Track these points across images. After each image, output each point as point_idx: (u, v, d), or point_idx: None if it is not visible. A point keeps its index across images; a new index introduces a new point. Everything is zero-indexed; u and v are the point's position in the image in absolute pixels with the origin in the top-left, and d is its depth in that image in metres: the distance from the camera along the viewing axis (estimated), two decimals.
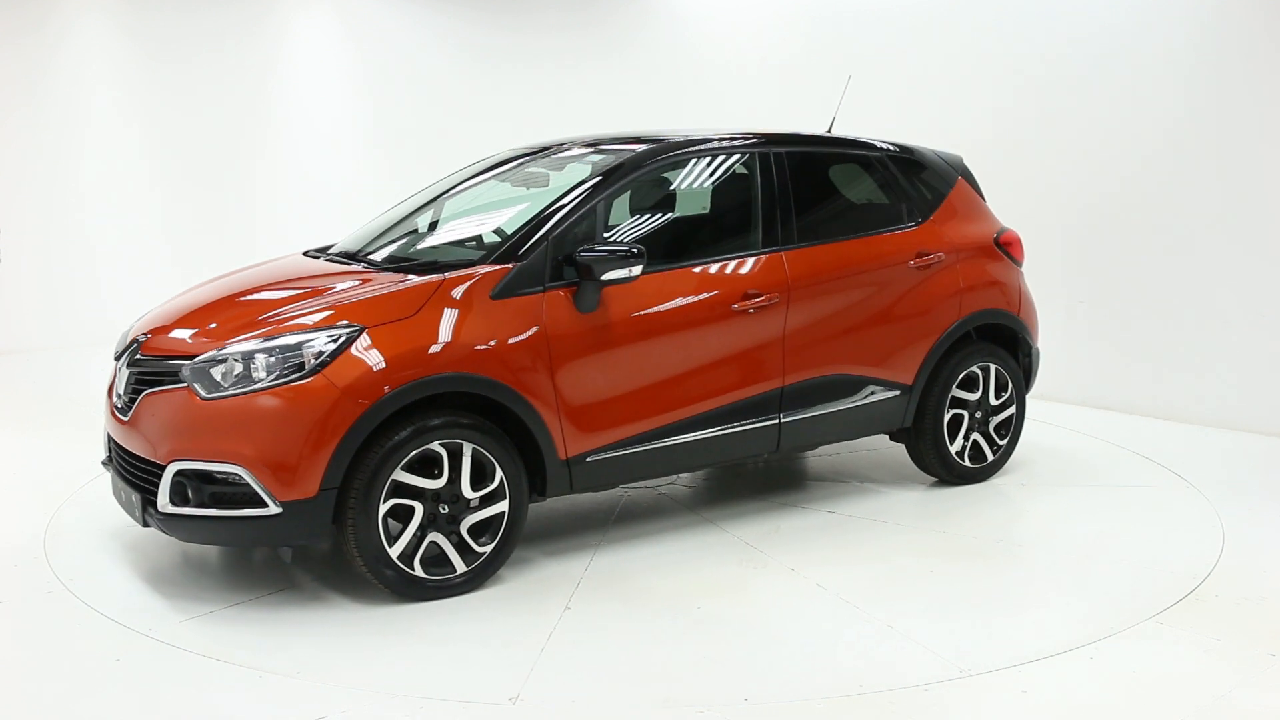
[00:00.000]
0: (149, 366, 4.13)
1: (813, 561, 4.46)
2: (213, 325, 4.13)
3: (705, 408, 4.61)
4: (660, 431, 4.51)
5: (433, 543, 4.04)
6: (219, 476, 3.85)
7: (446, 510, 4.04)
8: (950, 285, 5.27)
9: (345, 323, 3.93)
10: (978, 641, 3.74)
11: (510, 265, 4.20)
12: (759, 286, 4.70)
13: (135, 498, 4.05)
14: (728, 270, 4.70)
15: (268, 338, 3.91)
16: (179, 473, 3.89)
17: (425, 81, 10.90)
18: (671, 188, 5.01)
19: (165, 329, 4.26)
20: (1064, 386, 7.13)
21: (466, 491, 4.05)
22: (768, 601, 4.10)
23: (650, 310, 4.44)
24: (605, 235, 4.52)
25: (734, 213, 5.05)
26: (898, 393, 5.16)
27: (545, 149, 5.18)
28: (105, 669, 3.58)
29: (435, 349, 3.98)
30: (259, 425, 3.80)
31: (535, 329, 4.17)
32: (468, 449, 4.03)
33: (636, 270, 4.26)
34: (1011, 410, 5.53)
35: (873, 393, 5.09)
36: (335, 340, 3.88)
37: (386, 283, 4.20)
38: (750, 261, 4.75)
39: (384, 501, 3.91)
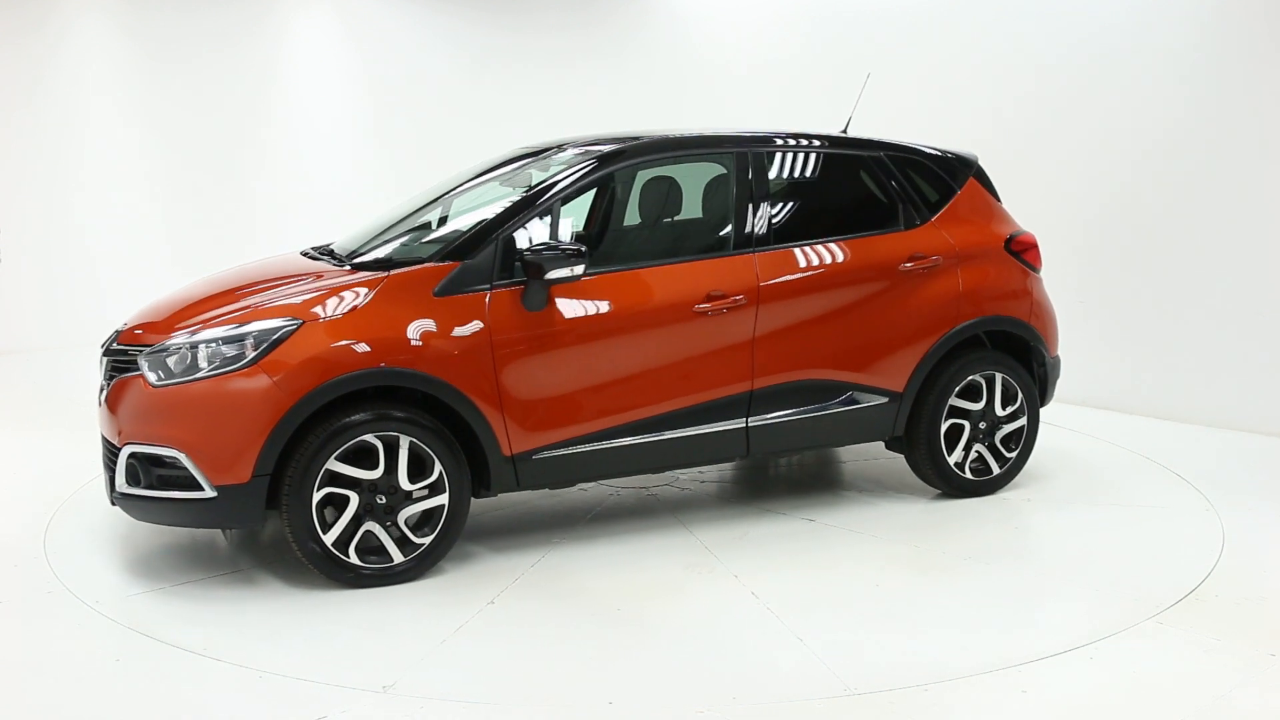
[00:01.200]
0: (120, 355, 4.35)
1: (761, 569, 4.38)
2: (176, 318, 4.33)
3: (663, 409, 4.58)
4: (614, 431, 4.51)
5: (372, 532, 4.17)
6: (165, 460, 4.06)
7: (384, 501, 4.16)
8: (948, 290, 5.08)
9: (285, 318, 4.10)
10: (882, 658, 3.62)
11: (455, 263, 4.30)
12: (724, 288, 4.63)
13: (106, 478, 4.33)
14: (691, 271, 4.65)
15: (212, 329, 4.13)
16: (131, 455, 4.12)
17: (425, 81, 10.90)
18: (639, 189, 5.08)
19: (141, 321, 4.47)
20: (1064, 387, 7.10)
21: (403, 483, 4.17)
22: (692, 607, 4.05)
23: (603, 310, 4.44)
24: (561, 235, 4.55)
25: (706, 213, 5.08)
26: (885, 400, 5.00)
27: (547, 149, 5.17)
28: (105, 669, 3.59)
29: (369, 344, 4.10)
30: (197, 412, 4.01)
31: (478, 326, 4.24)
32: (404, 442, 4.14)
33: (579, 269, 4.28)
34: (1022, 422, 5.29)
35: (855, 399, 4.95)
36: (273, 334, 4.05)
37: (334, 279, 4.34)
38: (717, 263, 4.70)
39: (318, 490, 4.06)
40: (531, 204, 4.47)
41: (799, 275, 4.80)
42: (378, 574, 4.19)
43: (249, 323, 4.10)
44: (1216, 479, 5.58)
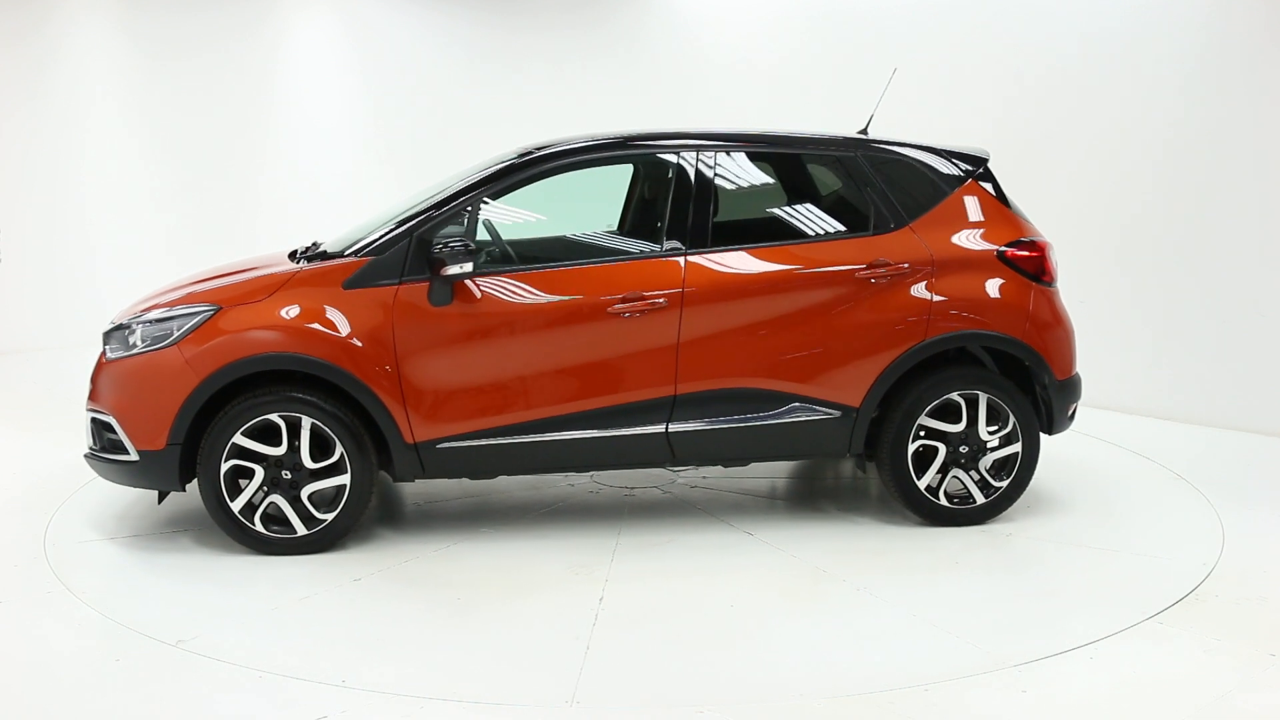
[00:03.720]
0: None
1: (638, 576, 4.32)
2: (146, 302, 4.79)
3: (574, 408, 4.57)
4: (523, 427, 4.57)
5: (277, 504, 4.51)
6: (109, 425, 4.54)
7: (288, 476, 4.49)
8: (917, 300, 4.71)
9: (206, 304, 4.51)
10: (644, 683, 3.49)
11: (367, 259, 4.53)
12: (642, 289, 4.55)
13: None
14: (612, 272, 4.61)
15: (152, 312, 4.60)
16: (92, 419, 4.66)
17: (425, 81, 10.89)
18: (571, 189, 5.09)
19: (133, 306, 4.91)
20: None
21: (305, 461, 4.47)
22: (526, 607, 4.05)
23: (509, 307, 4.52)
24: (478, 235, 4.64)
25: (639, 215, 5.09)
26: (838, 414, 4.71)
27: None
28: (105, 669, 3.59)
29: (273, 330, 4.44)
30: (128, 385, 4.52)
31: (381, 319, 4.47)
32: (306, 423, 4.45)
33: (468, 267, 4.41)
34: (1016, 448, 4.83)
35: (799, 411, 4.69)
36: (193, 317, 4.48)
37: (259, 271, 4.73)
38: (643, 264, 4.63)
39: (225, 461, 4.45)
40: (446, 203, 4.60)
41: (732, 279, 4.62)
42: (281, 543, 4.53)
43: (177, 307, 4.56)
44: (1216, 479, 5.58)
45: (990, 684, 3.45)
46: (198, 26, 9.97)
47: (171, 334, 4.47)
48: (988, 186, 4.99)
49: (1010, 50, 7.58)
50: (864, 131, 5.25)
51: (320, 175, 10.64)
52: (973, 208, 4.91)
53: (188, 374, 4.40)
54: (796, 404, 4.71)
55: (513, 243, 5.10)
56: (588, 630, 3.85)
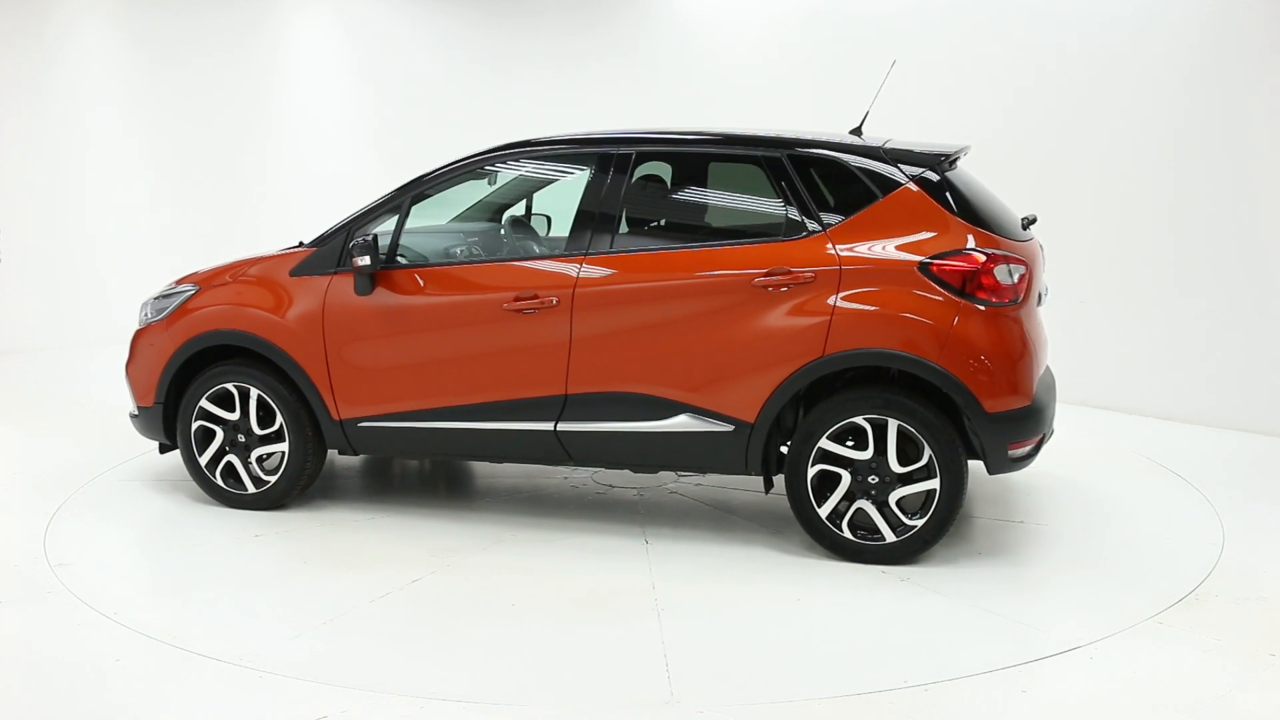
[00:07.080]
0: None
1: (484, 567, 4.41)
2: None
3: (473, 400, 4.74)
4: (428, 414, 4.81)
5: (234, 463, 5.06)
6: (127, 384, 5.30)
7: (242, 440, 5.04)
8: (816, 313, 4.32)
9: (190, 285, 5.21)
10: (349, 659, 3.62)
11: (313, 249, 4.99)
12: (536, 289, 4.59)
13: None
14: (515, 271, 4.72)
15: (162, 290, 5.31)
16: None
17: (426, 82, 10.89)
18: (491, 190, 5.47)
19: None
20: (1064, 386, 7.10)
21: (253, 427, 5.02)
22: (347, 579, 4.28)
23: (418, 301, 4.78)
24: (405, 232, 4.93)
25: (549, 216, 5.41)
26: (730, 428, 4.44)
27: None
28: (105, 669, 3.59)
29: (227, 310, 5.02)
30: (137, 350, 5.27)
31: (316, 304, 4.89)
32: (253, 393, 4.99)
33: (366, 260, 4.69)
34: (934, 484, 4.29)
35: (686, 421, 4.49)
36: (180, 295, 5.19)
37: (238, 258, 5.25)
38: (544, 264, 4.69)
39: (195, 421, 5.08)
40: (385, 201, 4.94)
41: (622, 282, 4.53)
42: (234, 498, 5.09)
43: (175, 285, 5.27)
44: (1216, 479, 5.58)
45: (990, 684, 3.45)
46: (198, 27, 9.98)
47: (166, 309, 5.16)
48: (939, 191, 4.39)
49: (1010, 48, 7.57)
50: (858, 130, 5.10)
51: (320, 175, 10.64)
52: (905, 214, 4.36)
53: (169, 344, 5.07)
54: (686, 414, 4.50)
55: (431, 242, 5.31)
56: (362, 607, 4.03)
